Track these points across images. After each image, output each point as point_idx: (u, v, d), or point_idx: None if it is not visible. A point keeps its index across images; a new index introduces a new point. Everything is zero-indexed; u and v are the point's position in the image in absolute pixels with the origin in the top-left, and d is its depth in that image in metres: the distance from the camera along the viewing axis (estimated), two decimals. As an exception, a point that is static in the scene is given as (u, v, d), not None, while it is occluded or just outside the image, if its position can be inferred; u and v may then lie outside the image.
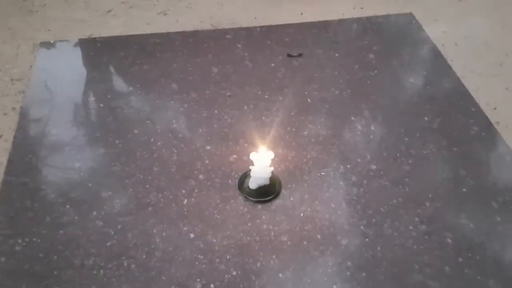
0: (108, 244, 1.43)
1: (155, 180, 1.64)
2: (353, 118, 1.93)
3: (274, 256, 1.42)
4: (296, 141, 1.81)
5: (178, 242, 1.45)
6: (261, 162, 1.53)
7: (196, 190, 1.61)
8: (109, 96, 1.99)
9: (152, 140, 1.80)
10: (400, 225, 1.52)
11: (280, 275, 1.37)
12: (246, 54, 2.25)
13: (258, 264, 1.40)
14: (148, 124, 1.87)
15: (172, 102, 1.97)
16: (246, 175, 1.63)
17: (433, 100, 2.03)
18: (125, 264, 1.39)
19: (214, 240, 1.46)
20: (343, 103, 2.02)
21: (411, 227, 1.51)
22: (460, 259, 1.43)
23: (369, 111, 1.96)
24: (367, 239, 1.48)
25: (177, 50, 2.23)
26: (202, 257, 1.41)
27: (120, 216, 1.52)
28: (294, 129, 1.87)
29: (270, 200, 1.58)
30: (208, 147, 1.77)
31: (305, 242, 1.46)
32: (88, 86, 2.04)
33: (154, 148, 1.77)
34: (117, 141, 1.80)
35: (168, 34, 2.40)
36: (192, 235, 1.47)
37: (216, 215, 1.53)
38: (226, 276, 1.37)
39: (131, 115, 1.91)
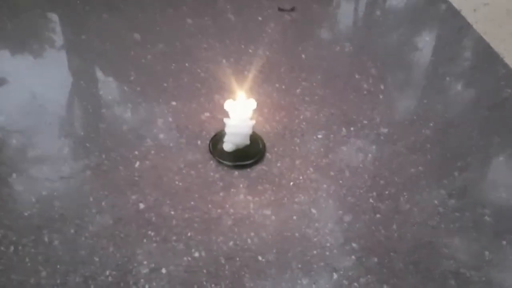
0: (26, 214, 1.08)
1: (99, 139, 1.30)
2: (357, 77, 1.62)
3: (252, 234, 1.08)
4: (286, 100, 1.49)
5: (122, 214, 1.10)
6: (240, 114, 1.21)
7: (152, 152, 1.27)
8: (56, 42, 1.65)
9: (101, 93, 1.46)
10: (421, 199, 1.19)
11: (260, 258, 1.03)
12: (228, 6, 1.95)
13: (231, 243, 1.05)
14: (99, 75, 1.53)
15: (132, 53, 1.64)
16: (220, 135, 1.30)
17: (453, 61, 1.73)
18: (46, 239, 1.03)
19: (172, 213, 1.11)
20: (345, 61, 1.72)
21: (436, 202, 1.19)
22: (504, 242, 1.10)
23: (376, 69, 1.66)
24: (378, 215, 1.14)
25: (145, 1, 1.92)
26: (153, 234, 1.06)
27: (48, 180, 1.17)
28: (283, 87, 1.55)
29: (250, 165, 1.25)
30: (173, 103, 1.44)
31: (295, 217, 1.13)
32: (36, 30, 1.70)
33: (102, 102, 1.43)
34: (59, 89, 1.46)
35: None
36: (142, 206, 1.13)
37: (177, 182, 1.19)
38: (185, 258, 1.02)
39: (76, 65, 1.58)
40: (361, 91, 1.55)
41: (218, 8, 1.96)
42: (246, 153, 1.27)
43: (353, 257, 1.05)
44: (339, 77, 1.61)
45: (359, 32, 1.90)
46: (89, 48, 1.64)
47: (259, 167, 1.25)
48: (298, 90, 1.54)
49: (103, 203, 1.12)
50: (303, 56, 1.71)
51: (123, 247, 1.03)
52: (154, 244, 1.04)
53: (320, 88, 1.55)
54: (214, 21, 1.85)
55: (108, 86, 1.49)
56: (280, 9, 1.95)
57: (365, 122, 1.43)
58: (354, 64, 1.69)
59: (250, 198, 1.17)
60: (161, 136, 1.33)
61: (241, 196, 1.17)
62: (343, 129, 1.40)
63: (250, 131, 1.24)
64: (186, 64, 1.61)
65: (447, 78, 1.62)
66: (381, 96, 1.54)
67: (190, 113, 1.41)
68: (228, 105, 1.21)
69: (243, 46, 1.71)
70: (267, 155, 1.29)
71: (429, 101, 1.53)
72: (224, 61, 1.63)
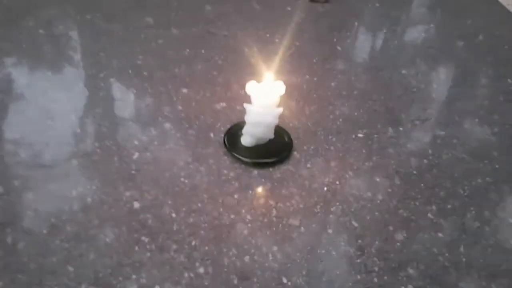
0: (-12, 208, 0.88)
1: (94, 124, 1.11)
2: (404, 72, 1.40)
3: (275, 249, 0.85)
4: (318, 92, 1.29)
5: (111, 213, 0.90)
6: (264, 98, 1.00)
7: (155, 142, 1.07)
8: (54, 22, 1.50)
9: (101, 75, 1.28)
10: (492, 216, 0.95)
11: (285, 280, 0.80)
12: (253, -5, 1.78)
13: (246, 258, 0.83)
14: (101, 56, 1.36)
15: (142, 35, 1.47)
16: (238, 128, 1.10)
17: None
18: (9, 240, 0.83)
19: (173, 215, 0.90)
20: (388, 55, 1.51)
21: (511, 220, 0.95)
22: None
23: (427, 65, 1.45)
24: (439, 234, 0.91)
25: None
26: (147, 240, 0.85)
27: (23, 168, 0.97)
28: (315, 78, 1.35)
29: (273, 164, 1.03)
30: (184, 90, 1.25)
31: (330, 231, 0.90)
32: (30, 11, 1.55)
33: (102, 85, 1.25)
34: (49, 73, 1.29)
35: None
36: (136, 205, 0.92)
37: (182, 179, 0.98)
38: (186, 274, 0.80)
39: (78, 44, 1.41)
40: (410, 88, 1.33)
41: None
42: (269, 150, 1.06)
43: (410, 286, 0.81)
44: (382, 72, 1.40)
45: (403, 26, 1.70)
46: (94, 27, 1.48)
47: (284, 167, 1.03)
48: (333, 83, 1.33)
49: (88, 199, 0.92)
50: (338, 47, 1.51)
51: (107, 254, 0.82)
52: (148, 254, 0.83)
53: (360, 82, 1.34)
54: (236, 9, 1.68)
55: (110, 68, 1.31)
56: (313, 0, 1.77)
57: (417, 122, 1.21)
58: (399, 59, 1.48)
59: (272, 203, 0.95)
60: (167, 125, 1.13)
61: (261, 200, 0.95)
62: (390, 128, 1.18)
63: (275, 121, 1.03)
64: (202, 51, 1.43)
65: (509, 81, 1.40)
66: (434, 95, 1.32)
67: (203, 102, 1.22)
68: (250, 87, 1.01)
69: (268, 35, 1.53)
70: (295, 153, 1.08)
71: (492, 102, 1.30)
72: (246, 49, 1.44)
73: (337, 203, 0.96)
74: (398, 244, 0.89)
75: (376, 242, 0.89)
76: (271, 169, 1.03)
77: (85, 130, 1.09)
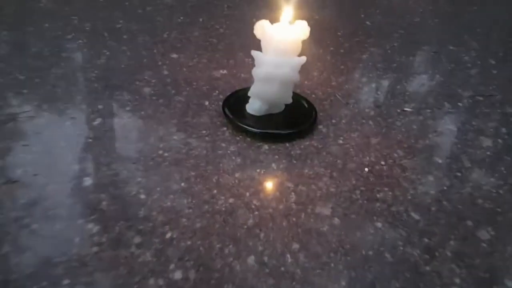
0: None
1: (47, 85, 0.84)
2: (452, 48, 1.15)
3: (296, 247, 0.56)
4: (348, 65, 1.03)
5: (48, 192, 0.61)
6: (280, 43, 0.73)
7: (127, 108, 0.80)
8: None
9: (69, 37, 1.03)
10: None
11: (313, 295, 0.50)
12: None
13: (251, 260, 0.54)
14: (73, 19, 1.11)
15: (126, 3, 1.24)
16: (241, 93, 0.83)
17: None
18: None
19: (142, 197, 0.61)
20: (430, 30, 1.26)
21: None
22: None
23: (478, 43, 1.19)
24: (544, 234, 0.61)
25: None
26: (96, 229, 0.56)
27: None
28: (342, 50, 1.09)
29: (290, 138, 0.76)
30: (174, 55, 0.99)
31: (379, 225, 0.61)
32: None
33: (67, 46, 0.99)
34: (5, 33, 1.04)
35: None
36: (88, 181, 0.63)
37: (161, 152, 0.70)
38: (152, 281, 0.50)
39: (47, 8, 1.17)
40: (463, 64, 1.07)
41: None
42: (285, 120, 0.79)
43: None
44: (425, 46, 1.15)
45: (443, 7, 1.46)
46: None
47: (306, 143, 0.75)
48: (365, 56, 1.07)
49: (18, 171, 0.63)
50: (367, 22, 1.26)
51: (31, 247, 0.53)
52: (95, 248, 0.53)
53: (399, 55, 1.08)
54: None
55: (81, 31, 1.06)
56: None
57: (480, 98, 0.93)
58: (443, 35, 1.23)
59: (290, 185, 0.66)
60: (146, 90, 0.86)
61: (275, 181, 0.67)
62: (445, 103, 0.90)
63: (295, 77, 0.76)
64: (200, 19, 1.18)
65: None
66: (494, 71, 1.05)
67: (198, 68, 0.95)
68: (260, 28, 0.74)
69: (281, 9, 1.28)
70: (320, 127, 0.80)
71: None
72: (254, 20, 1.19)
73: (386, 188, 0.67)
74: (484, 245, 0.59)
75: (451, 242, 0.59)
76: (287, 144, 0.75)
77: (34, 91, 0.83)
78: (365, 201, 0.64)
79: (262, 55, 0.75)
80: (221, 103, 0.82)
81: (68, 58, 0.95)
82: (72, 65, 0.93)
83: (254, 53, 0.76)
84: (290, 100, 0.78)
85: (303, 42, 0.75)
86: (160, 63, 0.96)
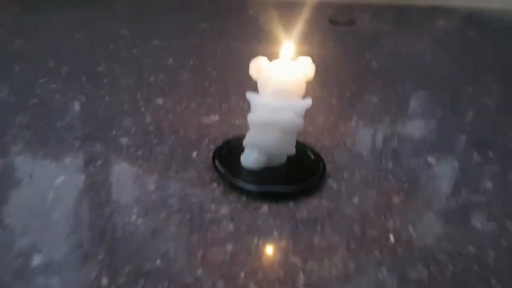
0: None
1: (6, 135, 0.72)
2: (471, 90, 1.04)
3: None
4: (356, 107, 0.91)
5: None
6: (281, 82, 0.61)
7: (98, 162, 0.67)
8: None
9: (41, 81, 0.92)
10: None
11: None
12: (258, 11, 1.49)
13: None
14: (49, 62, 1.01)
15: (111, 45, 1.14)
16: (235, 142, 0.70)
17: None
18: None
19: (104, 282, 0.47)
20: (442, 71, 1.15)
21: None
22: None
23: (497, 85, 1.08)
24: None
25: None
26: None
27: None
28: (348, 93, 0.98)
29: (295, 196, 0.62)
30: (159, 101, 0.88)
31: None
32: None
33: (38, 91, 0.88)
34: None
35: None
36: (37, 260, 0.49)
37: (134, 218, 0.56)
38: None
39: (25, 49, 1.07)
40: (486, 107, 0.95)
41: (246, 15, 1.50)
42: (288, 175, 0.65)
43: None
44: (441, 87, 1.04)
45: (459, 42, 1.37)
46: (50, 35, 1.15)
47: (315, 203, 0.62)
48: (375, 99, 0.96)
49: None
50: (374, 63, 1.16)
51: None
52: None
53: (413, 98, 0.97)
54: (238, 26, 1.37)
55: (56, 74, 0.95)
56: (333, 22, 1.47)
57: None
58: (459, 75, 1.13)
59: (297, 261, 0.52)
60: (123, 140, 0.73)
61: (277, 256, 0.52)
62: (474, 153, 0.78)
63: (299, 123, 0.63)
64: (191, 62, 1.08)
65: None
66: (522, 113, 0.94)
67: (186, 114, 0.83)
68: (257, 66, 0.63)
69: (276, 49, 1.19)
70: (330, 182, 0.66)
71: None
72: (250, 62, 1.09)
73: (419, 264, 0.52)
74: None
75: None
76: (292, 205, 0.61)
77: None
78: (395, 283, 0.50)
79: (258, 98, 0.63)
80: (211, 154, 0.69)
81: (36, 104, 0.83)
82: (40, 112, 0.81)
83: (249, 95, 0.64)
84: (293, 151, 0.66)
85: (306, 83, 0.63)
86: (142, 109, 0.84)
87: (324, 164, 0.68)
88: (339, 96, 0.96)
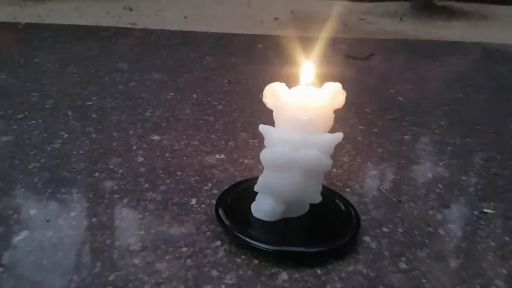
0: None
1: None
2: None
3: None
4: (386, 147, 0.78)
5: None
6: (302, 110, 0.49)
7: (72, 214, 0.53)
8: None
9: (20, 116, 0.80)
10: None
11: None
12: (269, 52, 1.40)
13: None
14: (32, 96, 0.90)
15: (106, 78, 1.04)
16: (244, 187, 0.57)
17: None
18: None
19: None
20: (477, 107, 1.03)
21: None
22: None
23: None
24: None
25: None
26: None
27: None
28: (376, 130, 0.85)
29: (323, 258, 0.47)
30: (154, 137, 0.75)
31: None
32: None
33: (21, 127, 0.76)
34: None
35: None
36: None
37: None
38: None
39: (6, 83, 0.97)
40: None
41: (255, 49, 1.41)
42: (312, 230, 0.51)
43: None
44: (479, 125, 0.90)
45: (485, 77, 1.25)
46: (42, 67, 1.05)
47: (349, 268, 0.48)
48: (407, 137, 0.83)
49: None
50: (400, 98, 1.04)
51: None
52: None
53: (451, 136, 0.84)
54: (247, 60, 1.27)
55: (39, 108, 0.83)
56: (349, 56, 1.37)
57: None
58: (497, 112, 1.00)
59: None
60: (107, 184, 0.60)
61: None
62: (540, 200, 0.63)
63: (327, 164, 0.50)
64: (194, 95, 0.97)
65: None
66: None
67: (185, 153, 0.70)
68: (273, 91, 0.50)
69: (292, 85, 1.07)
70: (366, 240, 0.52)
71: None
72: (261, 96, 0.97)
73: None
74: None
75: None
76: (319, 271, 0.47)
77: None
78: None
79: (275, 131, 0.50)
80: (214, 202, 0.55)
81: (8, 142, 0.71)
82: (11, 150, 0.68)
83: (263, 128, 0.51)
84: (318, 198, 0.52)
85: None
86: (134, 147, 0.71)
87: (358, 216, 0.54)
88: (365, 133, 0.83)
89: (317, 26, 1.70)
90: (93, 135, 0.75)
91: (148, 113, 0.85)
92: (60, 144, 0.71)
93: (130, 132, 0.77)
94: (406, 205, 0.61)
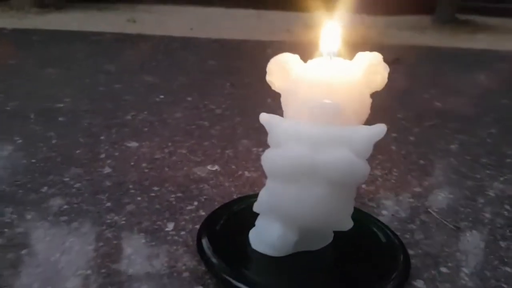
0: None
1: None
2: None
3: None
4: (431, 159, 0.62)
5: None
6: (326, 89, 0.33)
7: (14, 240, 0.38)
8: None
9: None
10: None
11: None
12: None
13: None
14: (-7, 95, 0.76)
15: (87, 80, 0.90)
16: (239, 207, 0.41)
17: None
18: None
19: None
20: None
21: None
22: None
23: None
24: None
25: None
26: None
27: None
28: (413, 138, 0.69)
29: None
30: (131, 143, 0.60)
31: None
32: None
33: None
34: None
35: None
36: None
37: None
38: None
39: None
40: None
41: (263, 54, 1.26)
42: (340, 270, 0.35)
43: None
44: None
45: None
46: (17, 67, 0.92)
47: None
48: (454, 146, 0.67)
49: None
50: (437, 103, 0.88)
51: None
52: None
53: (507, 146, 0.67)
54: (254, 64, 1.12)
55: (1, 111, 0.69)
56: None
57: None
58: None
59: None
60: (55, 202, 0.45)
61: None
62: None
63: (363, 171, 0.33)
64: (189, 98, 0.82)
65: None
66: None
67: (168, 163, 0.55)
68: (282, 65, 0.35)
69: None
70: (417, 285, 0.35)
71: None
72: (269, 100, 0.82)
73: None
74: None
75: None
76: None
77: None
78: None
79: (284, 122, 0.35)
80: (196, 226, 0.40)
81: None
82: None
83: (266, 118, 0.35)
84: (348, 223, 0.36)
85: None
86: (102, 155, 0.56)
87: (405, 250, 0.38)
88: (399, 141, 0.67)
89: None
90: (53, 141, 0.60)
91: (129, 117, 0.71)
92: (9, 151, 0.56)
93: (102, 137, 0.62)
94: (467, 234, 0.44)
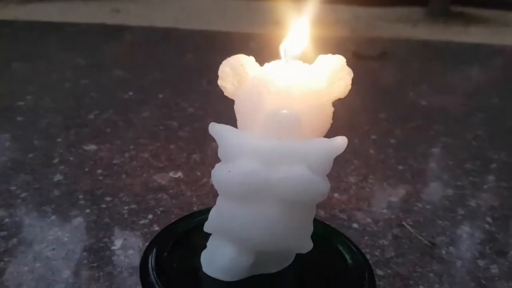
0: None
1: None
2: None
3: None
4: (411, 164, 0.59)
5: None
6: (286, 102, 0.30)
7: None
8: None
9: None
10: None
11: None
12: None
13: None
14: None
15: (54, 75, 0.86)
16: (197, 221, 0.38)
17: None
18: None
19: None
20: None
21: None
22: None
23: None
24: None
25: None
26: None
27: None
28: (394, 141, 0.66)
29: None
30: (91, 147, 0.57)
31: None
32: None
33: None
34: None
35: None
36: None
37: None
38: None
39: None
40: None
41: (246, 47, 1.22)
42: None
43: None
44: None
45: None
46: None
47: None
48: (437, 150, 0.64)
49: None
50: (423, 102, 0.85)
51: None
52: None
53: (494, 150, 0.65)
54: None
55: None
56: (358, 56, 1.18)
57: None
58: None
59: None
60: (0, 213, 0.41)
61: None
62: None
63: (323, 190, 0.30)
64: (160, 96, 0.79)
65: None
66: None
67: (127, 168, 0.52)
68: (235, 65, 0.32)
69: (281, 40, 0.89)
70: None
71: None
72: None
73: None
74: None
75: None
76: None
77: None
78: None
79: (236, 134, 0.32)
80: (146, 243, 0.36)
81: None
82: None
83: (216, 128, 0.32)
84: (307, 245, 0.33)
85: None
86: (56, 160, 0.53)
87: (371, 270, 0.35)
88: (379, 144, 0.64)
89: (323, 29, 1.53)
90: (7, 144, 0.56)
91: (91, 116, 0.67)
92: (-46, 156, 0.53)
93: (58, 139, 0.58)
94: (443, 251, 0.41)
